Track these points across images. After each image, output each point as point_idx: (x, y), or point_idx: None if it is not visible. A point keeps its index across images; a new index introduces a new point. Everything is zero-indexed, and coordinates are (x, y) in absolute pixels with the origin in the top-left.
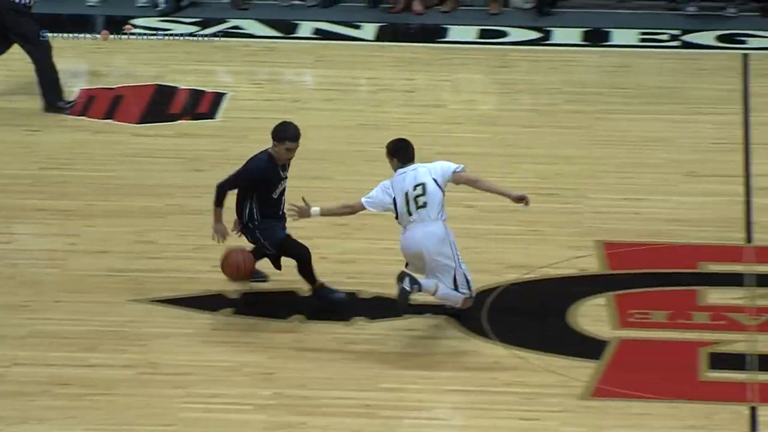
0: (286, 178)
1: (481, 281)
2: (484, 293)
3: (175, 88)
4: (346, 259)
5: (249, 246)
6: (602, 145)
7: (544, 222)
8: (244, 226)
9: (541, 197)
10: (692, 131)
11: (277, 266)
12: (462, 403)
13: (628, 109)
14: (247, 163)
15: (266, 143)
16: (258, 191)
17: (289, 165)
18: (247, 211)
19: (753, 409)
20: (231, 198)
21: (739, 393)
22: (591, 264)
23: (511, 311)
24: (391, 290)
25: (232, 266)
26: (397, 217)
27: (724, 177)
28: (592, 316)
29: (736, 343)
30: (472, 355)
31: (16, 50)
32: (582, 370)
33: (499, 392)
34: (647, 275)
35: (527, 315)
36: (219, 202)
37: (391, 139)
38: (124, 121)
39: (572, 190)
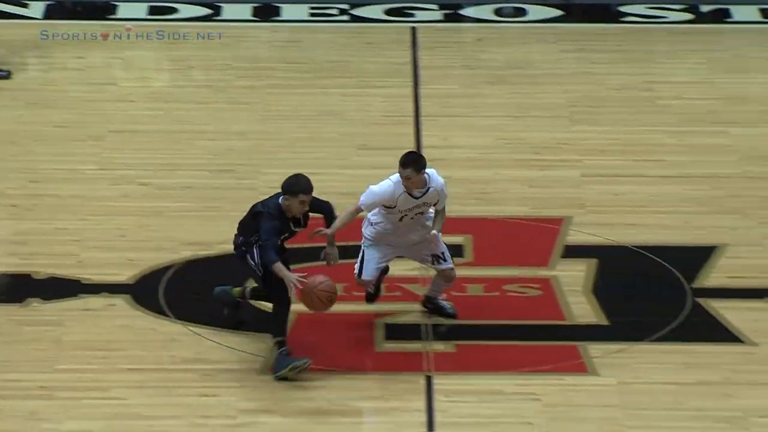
0: (296, 233)
1: (157, 259)
2: (160, 271)
3: None
4: (19, 240)
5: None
6: (275, 119)
7: (221, 198)
8: (243, 244)
9: (217, 173)
10: (364, 105)
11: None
12: (140, 381)
13: (300, 84)
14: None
15: None
16: None
17: (305, 220)
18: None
19: (428, 378)
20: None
21: (415, 363)
22: None
23: (188, 288)
24: (66, 270)
25: (328, 292)
26: None
27: (396, 150)
28: None
29: (411, 313)
30: (149, 333)
31: None
32: (259, 345)
33: (178, 369)
34: (323, 249)
35: (204, 292)
36: (274, 259)
37: (411, 153)
38: None
39: (247, 166)
